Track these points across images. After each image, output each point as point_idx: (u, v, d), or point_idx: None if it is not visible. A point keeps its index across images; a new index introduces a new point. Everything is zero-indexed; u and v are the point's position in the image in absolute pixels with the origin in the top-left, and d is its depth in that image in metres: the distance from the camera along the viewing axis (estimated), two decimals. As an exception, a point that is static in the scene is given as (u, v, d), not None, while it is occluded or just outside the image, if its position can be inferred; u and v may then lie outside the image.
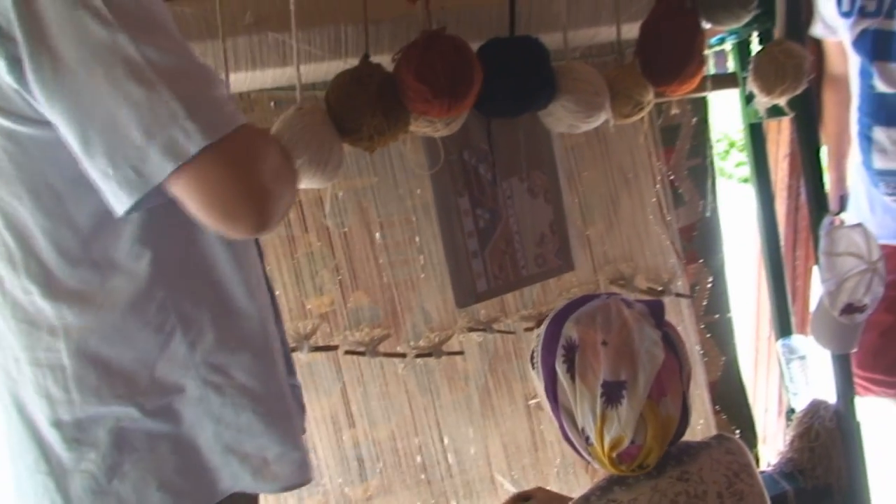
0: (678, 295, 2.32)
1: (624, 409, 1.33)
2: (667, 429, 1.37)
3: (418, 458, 2.13)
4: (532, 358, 1.47)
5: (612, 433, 1.35)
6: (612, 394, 1.34)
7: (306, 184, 1.67)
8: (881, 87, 2.32)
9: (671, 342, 1.41)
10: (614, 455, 1.36)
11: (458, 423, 2.15)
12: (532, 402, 2.15)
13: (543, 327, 1.46)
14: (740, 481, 1.42)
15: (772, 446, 2.83)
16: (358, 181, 2.01)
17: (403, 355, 2.06)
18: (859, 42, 2.34)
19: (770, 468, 2.47)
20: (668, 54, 1.87)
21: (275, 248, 1.95)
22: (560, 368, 1.39)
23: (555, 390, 1.41)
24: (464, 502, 2.16)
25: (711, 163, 2.44)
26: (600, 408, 1.35)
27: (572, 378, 1.37)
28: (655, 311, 1.43)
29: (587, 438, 1.38)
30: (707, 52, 2.01)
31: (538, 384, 1.46)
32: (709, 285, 2.44)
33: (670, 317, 2.21)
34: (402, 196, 2.05)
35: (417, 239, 2.07)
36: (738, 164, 7.19)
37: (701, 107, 2.40)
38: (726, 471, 1.43)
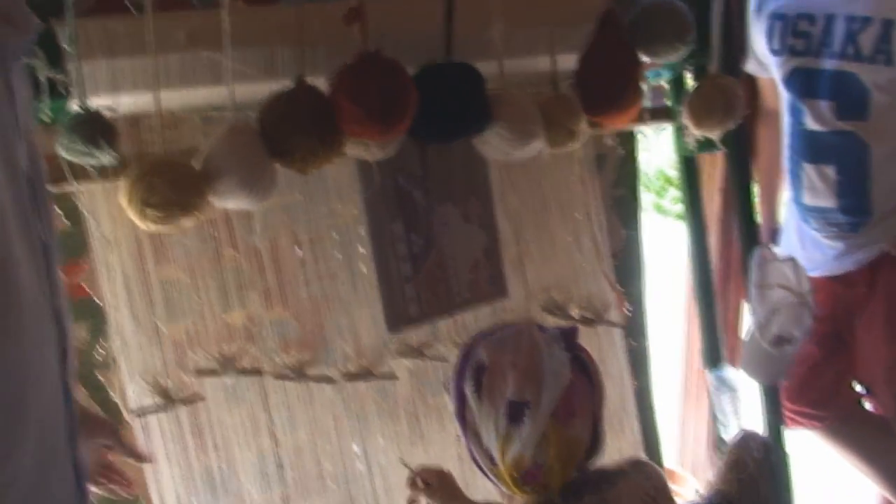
0: (610, 324, 2.32)
1: (526, 428, 1.34)
2: (572, 450, 1.37)
3: (344, 486, 2.10)
4: (447, 381, 1.48)
5: (513, 452, 1.35)
6: (515, 413, 1.36)
7: (236, 205, 1.65)
8: (811, 124, 2.36)
9: (583, 365, 1.43)
10: (516, 475, 1.36)
11: (387, 449, 2.12)
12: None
13: (459, 354, 1.47)
14: None
15: (701, 477, 2.84)
16: (283, 198, 1.98)
17: (333, 380, 2.03)
18: (790, 80, 2.39)
19: (699, 499, 2.48)
20: (605, 85, 1.89)
21: (201, 268, 1.92)
22: (468, 389, 1.41)
23: (463, 411, 1.43)
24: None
25: (636, 195, 2.47)
26: (503, 427, 1.36)
27: (479, 399, 1.40)
28: (567, 335, 1.45)
29: (491, 458, 1.39)
30: (643, 85, 2.03)
31: (450, 406, 1.47)
32: (628, 314, 2.45)
33: (604, 346, 2.24)
34: (334, 216, 2.02)
35: (348, 261, 2.04)
36: (675, 201, 7.27)
37: (629, 139, 2.43)
38: (644, 495, 1.43)
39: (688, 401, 3.11)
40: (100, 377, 1.91)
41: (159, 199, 1.53)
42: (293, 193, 1.96)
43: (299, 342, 2.01)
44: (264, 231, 1.95)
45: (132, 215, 1.58)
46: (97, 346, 1.90)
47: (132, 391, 1.87)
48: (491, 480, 1.44)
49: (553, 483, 1.37)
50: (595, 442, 1.43)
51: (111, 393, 1.91)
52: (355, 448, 2.09)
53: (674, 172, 7.00)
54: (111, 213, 1.76)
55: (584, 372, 1.42)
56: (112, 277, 1.83)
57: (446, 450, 2.16)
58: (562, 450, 1.35)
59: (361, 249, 2.02)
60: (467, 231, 2.06)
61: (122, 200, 1.57)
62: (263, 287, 1.96)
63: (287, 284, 1.99)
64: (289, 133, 1.58)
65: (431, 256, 2.03)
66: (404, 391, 2.12)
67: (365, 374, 2.05)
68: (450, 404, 1.48)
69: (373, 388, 2.08)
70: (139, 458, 1.76)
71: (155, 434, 1.91)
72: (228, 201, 1.61)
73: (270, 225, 1.96)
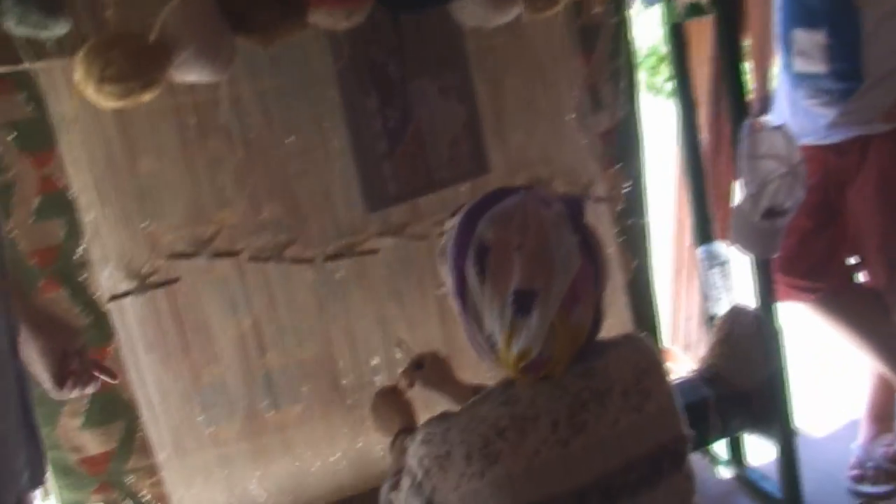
0: (597, 199, 2.27)
1: (535, 320, 1.27)
2: (576, 338, 1.32)
3: (328, 366, 2.09)
4: (442, 252, 1.40)
5: (520, 344, 1.29)
6: (523, 303, 1.28)
7: (195, 77, 1.57)
8: (801, -13, 2.27)
9: (589, 246, 1.34)
10: (521, 365, 1.31)
11: (372, 332, 2.09)
12: (439, 291, 2.09)
13: (456, 220, 1.38)
14: (648, 379, 1.38)
15: (693, 354, 2.83)
16: (262, 83, 1.91)
17: (311, 260, 1.98)
18: (781, -58, 2.29)
19: (691, 374, 2.47)
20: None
21: (173, 153, 1.85)
22: (470, 271, 1.32)
23: (463, 291, 1.34)
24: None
25: (631, 66, 2.38)
26: (510, 317, 1.28)
27: (483, 282, 1.30)
28: (574, 211, 1.36)
29: (493, 345, 1.32)
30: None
31: (447, 280, 1.39)
32: (625, 190, 2.38)
33: (589, 221, 2.19)
34: (311, 99, 1.95)
35: (326, 143, 1.98)
36: (668, 79, 7.15)
37: (619, 9, 2.32)
38: (634, 368, 1.38)
39: (679, 278, 3.08)
40: (79, 278, 1.87)
41: (115, 72, 1.47)
42: (266, 77, 1.90)
43: (275, 223, 1.96)
44: (237, 116, 1.88)
45: (89, 91, 1.51)
46: (75, 246, 1.84)
47: (107, 277, 1.84)
48: (487, 361, 1.38)
49: (556, 372, 1.33)
50: (595, 326, 1.37)
51: (93, 294, 1.87)
52: (338, 329, 2.07)
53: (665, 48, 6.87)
54: (72, 93, 1.68)
55: (590, 254, 1.34)
56: (77, 160, 1.77)
57: (430, 329, 2.14)
58: (567, 338, 1.30)
59: (336, 126, 1.95)
60: (445, 105, 1.99)
61: (78, 76, 1.50)
62: (237, 169, 1.90)
63: (261, 166, 1.94)
64: (248, 1, 1.49)
65: (409, 132, 1.96)
66: (385, 271, 2.08)
67: (345, 252, 2.00)
68: (445, 277, 1.40)
69: (354, 269, 2.04)
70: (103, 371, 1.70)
71: (132, 321, 1.88)
72: (188, 73, 1.54)
73: (245, 109, 1.89)
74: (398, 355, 2.08)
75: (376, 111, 1.92)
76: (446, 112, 1.99)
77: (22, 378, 1.20)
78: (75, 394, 1.60)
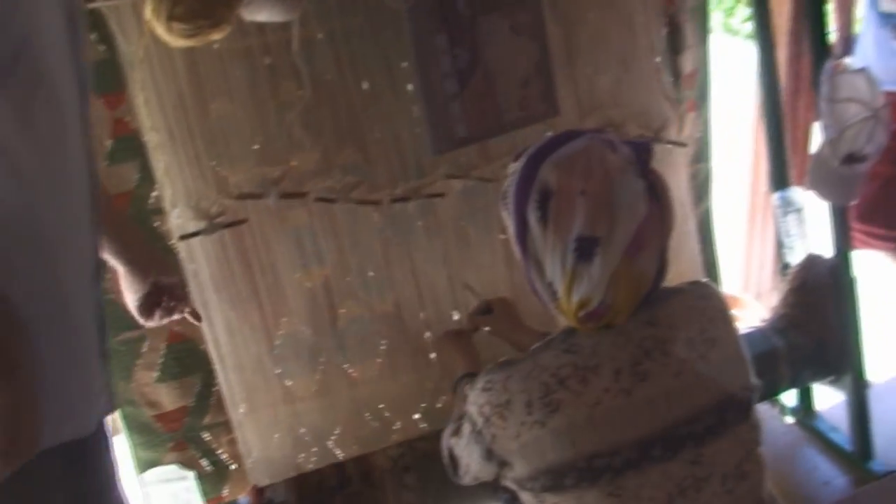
0: (671, 142, 2.22)
1: (596, 268, 1.25)
2: (639, 286, 1.29)
3: (394, 309, 2.08)
4: (504, 196, 1.38)
5: (581, 292, 1.27)
6: (585, 250, 1.25)
7: (265, 17, 1.56)
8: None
9: (655, 192, 1.30)
10: (581, 314, 1.29)
11: (439, 276, 2.08)
12: (502, 236, 2.06)
13: (519, 164, 1.35)
14: (714, 327, 1.35)
15: (766, 302, 2.78)
16: (334, 23, 1.88)
17: (379, 202, 1.97)
18: None
19: (762, 324, 2.42)
20: None
21: (243, 95, 1.84)
22: (532, 215, 1.29)
23: (524, 236, 1.32)
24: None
25: (707, 5, 2.30)
26: (571, 264, 1.26)
27: (544, 227, 1.28)
28: (641, 156, 1.32)
29: (554, 293, 1.30)
30: None
31: (508, 225, 1.37)
32: (698, 135, 2.33)
33: (663, 166, 2.14)
34: (381, 40, 1.92)
35: (391, 80, 1.95)
36: (745, 20, 6.98)
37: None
38: (700, 316, 1.35)
39: (753, 225, 3.02)
40: (153, 224, 1.88)
41: (184, 10, 1.47)
42: (336, 18, 1.87)
43: (343, 166, 1.94)
44: (307, 58, 1.86)
45: (158, 30, 1.51)
46: (148, 191, 1.86)
47: (175, 217, 1.85)
48: (548, 309, 1.37)
49: (617, 321, 1.30)
50: (659, 273, 1.34)
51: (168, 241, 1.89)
52: (405, 271, 2.06)
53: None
54: (142, 32, 1.68)
55: (656, 200, 1.30)
56: (147, 101, 1.77)
57: (497, 272, 2.12)
58: (630, 287, 1.27)
59: (404, 65, 1.92)
60: (516, 43, 1.93)
61: (147, 14, 1.50)
62: (306, 111, 1.88)
63: (330, 109, 1.92)
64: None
65: (478, 72, 1.92)
66: (453, 213, 2.06)
67: (411, 194, 1.99)
68: (507, 221, 1.37)
69: (420, 210, 2.02)
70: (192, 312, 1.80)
71: (202, 262, 1.90)
72: (258, 13, 1.53)
73: (315, 51, 1.87)
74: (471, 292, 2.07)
75: (445, 50, 1.87)
76: (517, 51, 1.94)
77: (100, 306, 1.23)
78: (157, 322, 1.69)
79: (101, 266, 1.36)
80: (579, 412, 1.28)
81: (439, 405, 2.15)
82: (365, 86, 1.93)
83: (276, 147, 1.89)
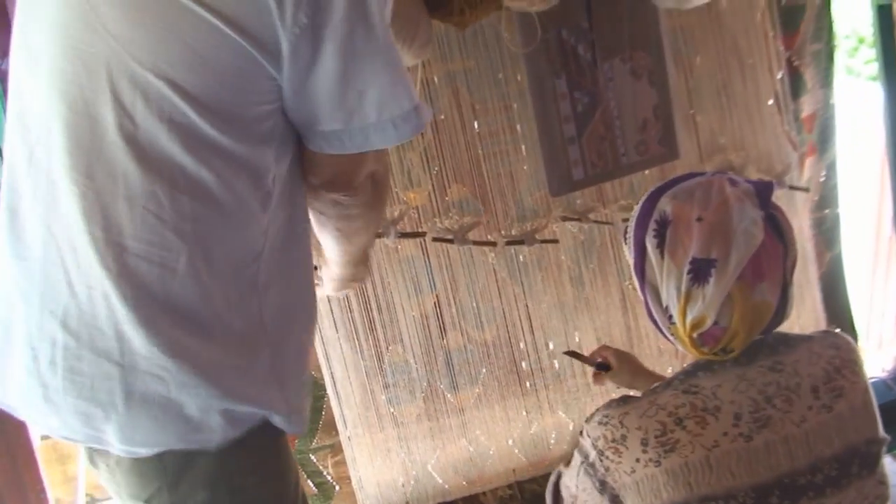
0: (792, 188, 2.17)
1: (710, 289, 1.24)
2: (758, 315, 1.27)
3: (506, 350, 2.08)
4: (626, 233, 1.38)
5: (694, 312, 1.26)
6: (699, 271, 1.24)
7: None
8: None
9: (777, 225, 1.29)
10: (695, 335, 1.27)
11: (551, 317, 2.08)
12: (628, 283, 2.05)
13: (640, 202, 1.36)
14: (842, 377, 1.31)
15: (887, 351, 2.68)
16: (452, 65, 1.92)
17: (494, 243, 1.99)
18: None
19: (884, 374, 2.34)
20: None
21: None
22: (650, 243, 1.30)
23: (643, 266, 1.32)
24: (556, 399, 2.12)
25: (831, 50, 2.25)
26: (685, 285, 1.25)
27: (661, 253, 1.28)
28: (762, 191, 1.31)
29: (670, 317, 1.29)
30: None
31: (629, 259, 1.37)
32: (821, 179, 2.27)
33: (784, 210, 2.10)
34: (499, 82, 1.95)
35: (513, 126, 1.97)
36: (868, 62, 6.79)
37: (825, -14, 2.20)
38: (826, 365, 1.31)
39: (876, 271, 2.92)
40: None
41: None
42: (456, 59, 1.91)
43: (460, 205, 1.97)
44: (427, 97, 1.90)
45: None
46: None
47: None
48: (668, 339, 1.36)
49: (734, 345, 1.28)
50: (782, 307, 1.32)
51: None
52: (517, 312, 2.06)
53: (867, 31, 6.52)
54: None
55: (778, 232, 1.29)
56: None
57: (612, 316, 2.10)
58: (746, 314, 1.25)
59: (523, 109, 1.94)
60: (636, 87, 1.94)
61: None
62: (425, 151, 1.92)
63: (448, 148, 1.95)
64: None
65: (597, 115, 1.92)
66: (568, 257, 2.06)
67: (527, 238, 2.00)
68: (629, 257, 1.38)
69: (535, 252, 2.03)
70: None
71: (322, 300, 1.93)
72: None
73: (435, 91, 1.92)
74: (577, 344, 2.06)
75: (565, 94, 1.88)
76: (637, 94, 1.93)
77: None
78: None
79: None
80: (696, 453, 1.26)
81: (531, 431, 2.16)
82: (482, 127, 1.96)
83: (395, 186, 1.93)
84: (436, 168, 1.94)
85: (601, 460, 1.32)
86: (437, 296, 2.02)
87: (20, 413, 1.21)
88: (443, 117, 1.93)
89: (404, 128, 1.17)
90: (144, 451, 1.15)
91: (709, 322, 1.25)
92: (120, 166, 1.08)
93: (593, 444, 1.33)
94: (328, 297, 1.91)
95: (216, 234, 1.13)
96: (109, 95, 1.07)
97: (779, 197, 2.14)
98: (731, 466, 1.26)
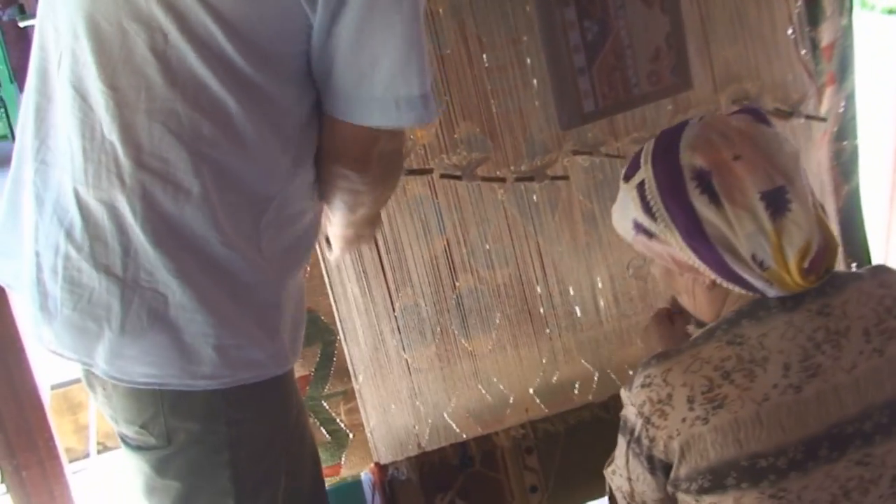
0: (809, 117, 2.11)
1: (798, 212, 1.18)
2: (826, 226, 1.23)
3: (518, 287, 2.05)
4: (649, 216, 1.29)
5: (795, 242, 1.19)
6: (776, 201, 1.19)
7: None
8: None
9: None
10: (806, 265, 1.20)
11: (562, 254, 2.05)
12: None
13: (649, 171, 1.28)
14: (892, 318, 1.25)
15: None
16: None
17: (503, 179, 1.94)
18: None
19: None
20: None
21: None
22: (699, 201, 1.22)
23: (700, 229, 1.23)
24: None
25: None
26: (769, 221, 1.19)
27: (719, 207, 1.21)
28: (756, 113, 1.29)
29: (761, 263, 1.21)
30: None
31: (667, 241, 1.28)
32: (840, 110, 2.21)
33: (801, 141, 2.05)
34: (507, 13, 1.89)
35: (522, 60, 1.92)
36: (883, -6, 6.69)
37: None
38: (877, 305, 1.25)
39: (893, 206, 2.88)
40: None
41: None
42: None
43: (468, 142, 1.93)
44: (432, 31, 1.85)
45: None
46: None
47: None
48: (755, 289, 1.27)
49: (832, 264, 1.23)
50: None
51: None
52: (526, 246, 2.03)
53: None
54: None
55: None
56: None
57: (625, 252, 2.06)
58: (824, 225, 1.21)
59: (532, 41, 1.88)
60: (647, 15, 1.87)
61: None
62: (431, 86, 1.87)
63: (455, 83, 1.91)
64: None
65: (607, 45, 1.86)
66: (580, 192, 2.01)
67: (537, 174, 1.95)
68: (669, 232, 1.26)
69: (547, 189, 1.99)
70: None
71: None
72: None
73: (440, 25, 1.86)
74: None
75: (574, 23, 1.83)
76: (648, 22, 1.88)
77: None
78: None
79: None
80: (745, 409, 1.21)
81: (554, 380, 2.13)
82: (489, 60, 1.91)
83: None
84: (443, 104, 1.89)
85: (647, 430, 1.27)
86: (446, 239, 1.98)
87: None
88: (449, 51, 1.88)
89: (408, 113, 1.18)
90: (128, 382, 1.18)
91: (815, 245, 1.19)
92: (144, 79, 1.10)
93: (639, 411, 1.27)
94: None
95: (234, 166, 1.15)
96: (145, 10, 1.08)
97: (795, 127, 2.10)
98: (781, 420, 1.21)
